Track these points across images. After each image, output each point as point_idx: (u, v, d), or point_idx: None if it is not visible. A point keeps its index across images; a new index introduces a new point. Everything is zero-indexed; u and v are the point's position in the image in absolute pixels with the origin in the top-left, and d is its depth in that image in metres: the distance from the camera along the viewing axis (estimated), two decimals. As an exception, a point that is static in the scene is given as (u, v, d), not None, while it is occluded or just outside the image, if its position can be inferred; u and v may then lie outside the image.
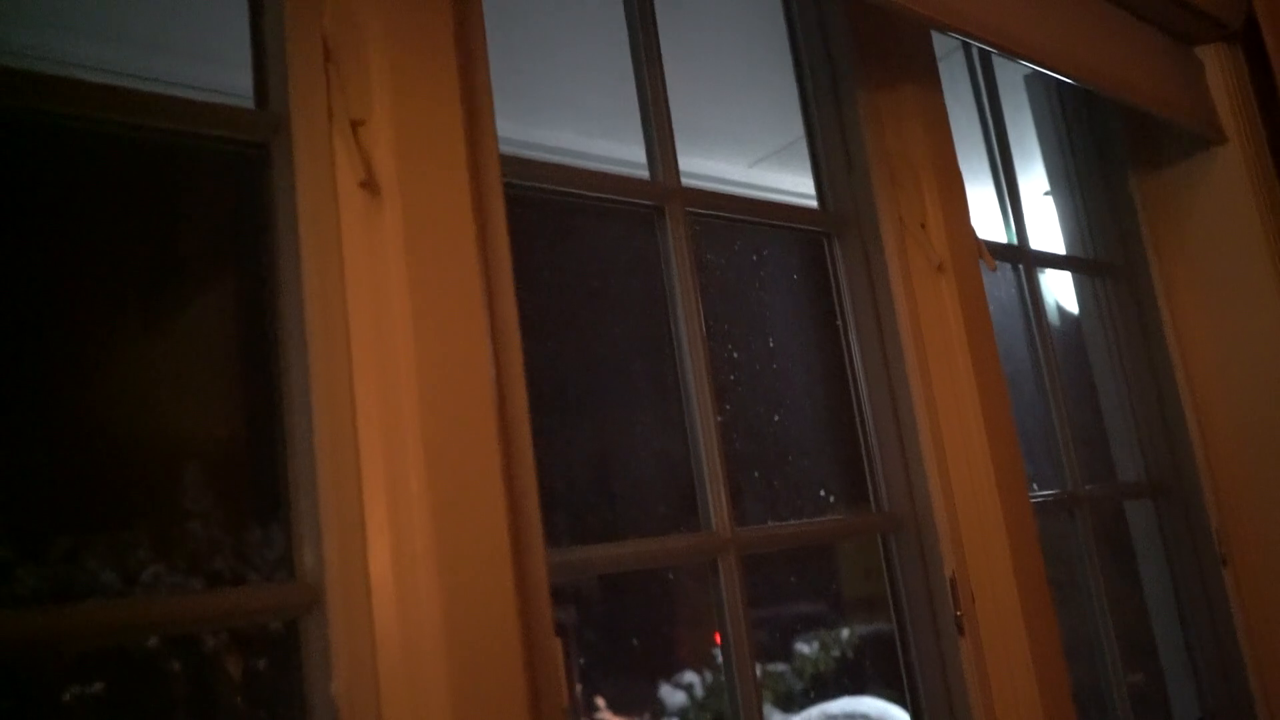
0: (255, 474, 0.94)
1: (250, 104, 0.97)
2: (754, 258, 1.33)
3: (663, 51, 1.32)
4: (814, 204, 1.48)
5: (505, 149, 1.00)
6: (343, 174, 0.89)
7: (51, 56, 1.32)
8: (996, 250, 1.66)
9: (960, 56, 1.84)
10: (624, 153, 1.39)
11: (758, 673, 1.14)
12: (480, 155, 0.96)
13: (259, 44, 0.96)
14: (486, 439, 0.87)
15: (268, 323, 0.92)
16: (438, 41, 0.94)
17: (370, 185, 0.88)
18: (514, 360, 0.93)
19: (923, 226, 1.38)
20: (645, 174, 1.27)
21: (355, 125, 0.89)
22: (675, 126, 1.32)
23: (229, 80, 1.10)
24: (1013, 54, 1.44)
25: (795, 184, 2.87)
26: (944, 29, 1.34)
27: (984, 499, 1.30)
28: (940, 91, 1.47)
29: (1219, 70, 1.83)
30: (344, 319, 0.86)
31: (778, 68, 2.21)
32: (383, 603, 0.82)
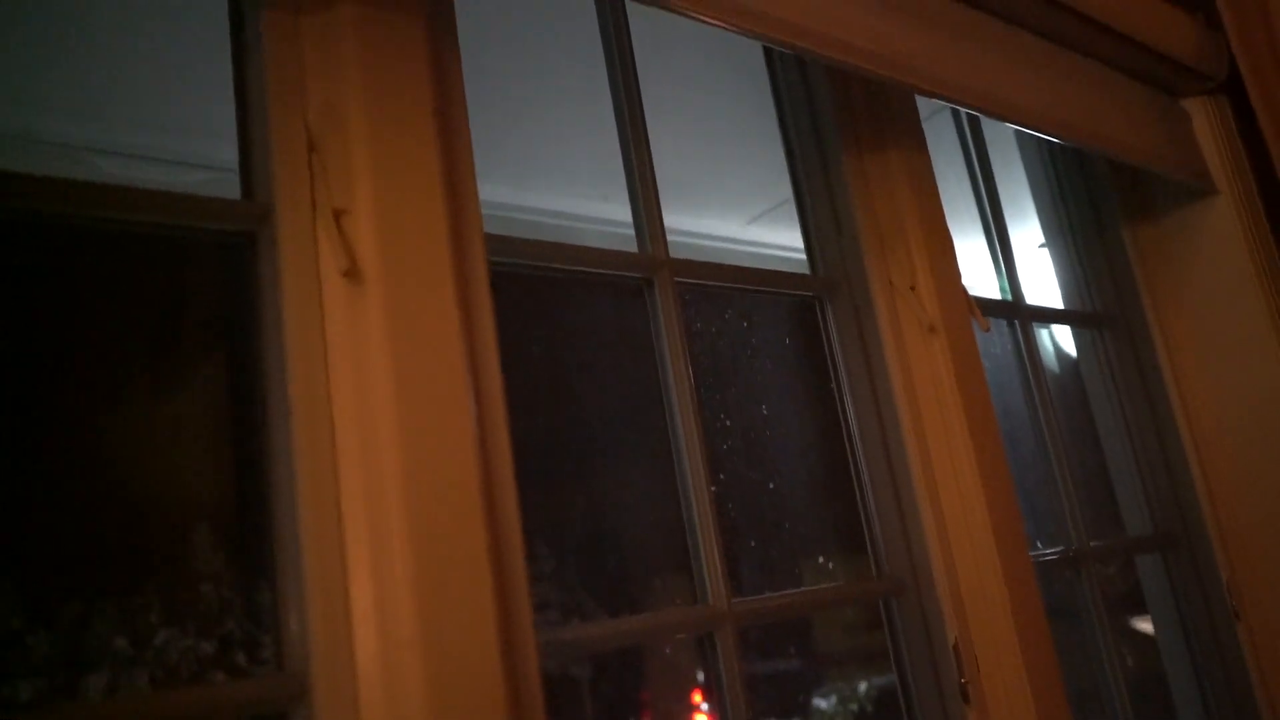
0: (243, 560, 0.94)
1: (238, 188, 0.98)
2: (745, 323, 1.33)
3: (654, 112, 1.34)
4: (773, 263, 1.48)
5: (493, 214, 1.01)
6: (326, 262, 0.90)
7: (44, 138, 1.35)
8: (990, 307, 1.66)
9: (948, 114, 1.86)
10: (615, 214, 1.40)
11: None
12: (464, 237, 0.97)
13: (245, 135, 0.98)
14: (472, 524, 0.87)
15: (255, 409, 0.92)
16: (419, 129, 0.96)
17: (353, 274, 0.89)
18: (500, 441, 0.93)
19: (913, 288, 1.38)
20: (635, 234, 1.28)
21: (338, 215, 0.90)
22: (669, 187, 1.34)
23: (219, 154, 1.12)
24: (997, 116, 1.45)
25: (794, 240, 2.89)
26: (928, 94, 1.36)
27: (984, 562, 1.28)
28: (926, 153, 1.48)
29: (1206, 122, 1.84)
30: (328, 405, 0.87)
31: (769, 129, 2.25)
32: (369, 692, 0.81)
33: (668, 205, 1.40)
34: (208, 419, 1.00)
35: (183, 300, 1.02)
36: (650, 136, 1.32)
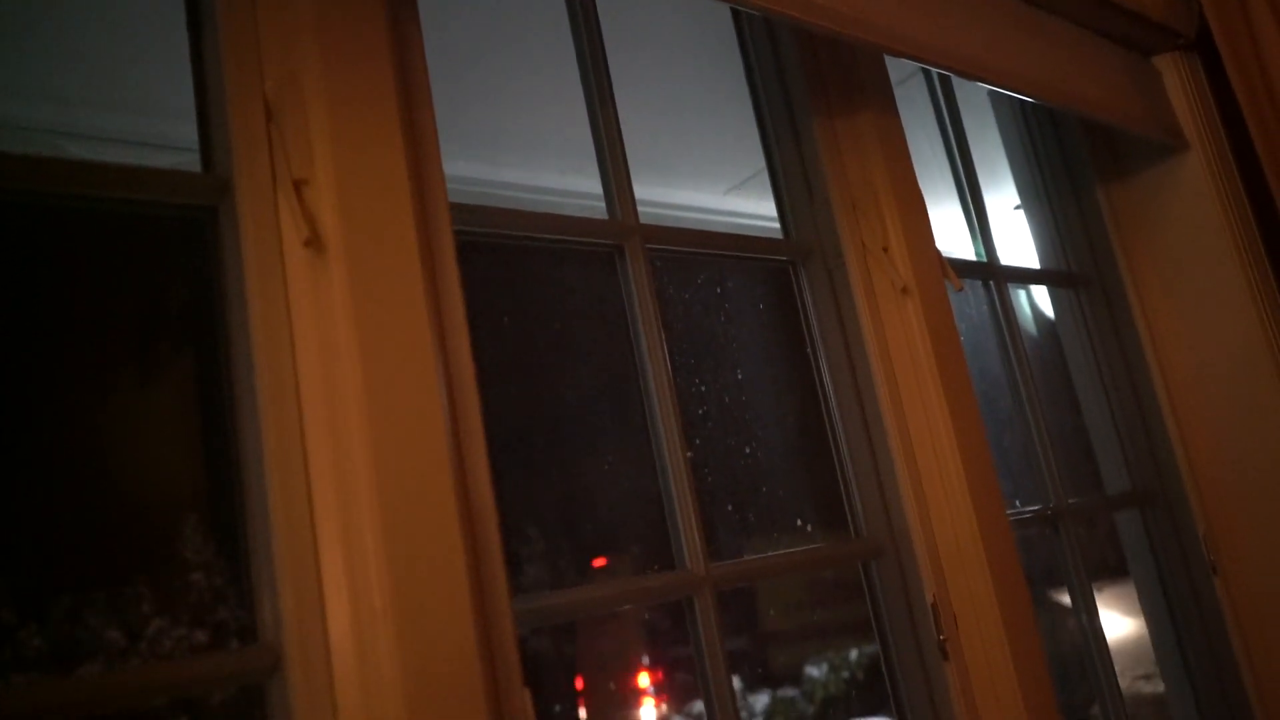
0: (216, 539, 0.93)
1: (197, 165, 0.97)
2: (719, 290, 1.33)
3: (624, 85, 1.33)
4: (745, 228, 1.48)
5: (462, 189, 1.01)
6: (288, 234, 0.89)
7: (5, 121, 1.33)
8: (964, 268, 1.66)
9: (921, 79, 1.85)
10: (590, 187, 1.39)
11: (766, 700, 1.12)
12: (428, 206, 0.96)
13: (203, 107, 0.97)
14: (443, 492, 0.86)
15: (221, 385, 0.92)
16: (379, 97, 0.95)
17: (315, 244, 0.88)
18: (471, 411, 0.93)
19: (885, 250, 1.38)
20: (605, 202, 1.27)
21: (299, 185, 0.89)
22: (644, 159, 1.33)
23: (180, 133, 1.11)
24: (967, 75, 1.45)
25: (772, 209, 2.89)
26: (895, 54, 1.35)
27: (961, 521, 1.29)
28: (897, 116, 1.47)
29: (1177, 79, 1.84)
30: (294, 378, 0.86)
31: (741, 95, 2.23)
32: (343, 664, 0.81)
33: (643, 177, 1.38)
34: (174, 399, 0.99)
35: (145, 280, 1.01)
36: (621, 107, 1.31)
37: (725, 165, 2.72)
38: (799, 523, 1.31)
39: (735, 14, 1.55)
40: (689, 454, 1.19)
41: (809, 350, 1.42)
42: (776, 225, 1.50)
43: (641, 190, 1.30)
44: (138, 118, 1.30)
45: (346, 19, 0.95)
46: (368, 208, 0.90)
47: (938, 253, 1.44)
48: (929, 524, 1.30)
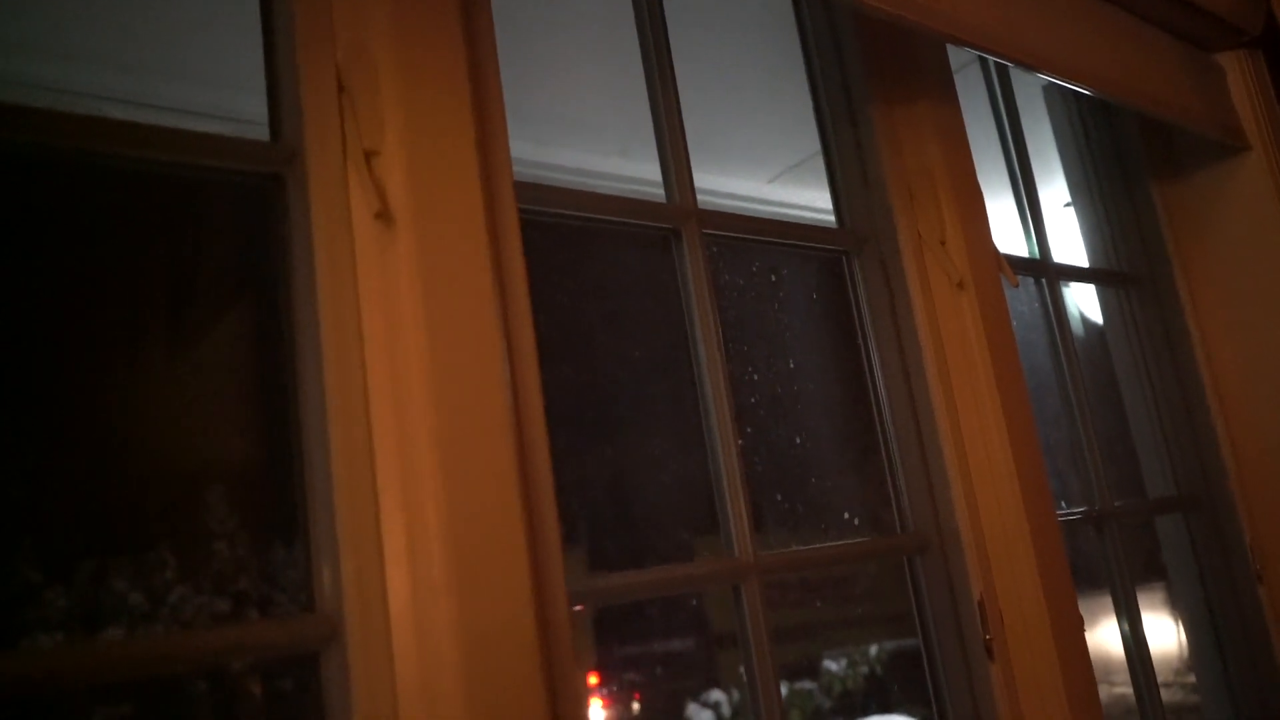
0: (274, 502, 0.93)
1: (266, 134, 0.97)
2: (772, 278, 1.32)
3: (676, 69, 1.32)
4: (833, 220, 1.47)
5: (520, 172, 1.00)
6: (357, 204, 0.88)
7: (70, 88, 1.33)
8: (1018, 264, 1.64)
9: (977, 69, 1.83)
10: (640, 171, 1.38)
11: (784, 691, 1.12)
12: (494, 183, 0.95)
13: (273, 76, 0.97)
14: (505, 467, 0.86)
15: (284, 353, 0.91)
16: (450, 71, 0.94)
17: (384, 216, 0.87)
18: (531, 387, 0.92)
19: (942, 243, 1.36)
20: (662, 193, 1.26)
21: (369, 156, 0.89)
22: (691, 145, 1.32)
23: (246, 106, 1.11)
24: (1028, 66, 1.42)
25: (815, 199, 2.86)
26: (958, 43, 1.33)
27: (1010, 519, 1.28)
28: (957, 106, 1.45)
29: (1240, 76, 1.80)
30: (359, 349, 0.86)
31: (793, 83, 2.20)
32: (402, 635, 0.81)
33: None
34: (235, 362, 0.99)
35: (206, 245, 1.01)
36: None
37: (767, 153, 2.69)
38: (846, 515, 1.30)
39: (795, -2, 1.53)
40: (739, 442, 1.18)
41: (860, 341, 1.41)
42: (818, 215, 1.48)
43: (648, 170, 1.28)
44: (195, 86, 1.30)
45: (419, -10, 0.94)
46: (436, 181, 0.90)
47: (994, 247, 1.42)
48: (978, 521, 1.29)
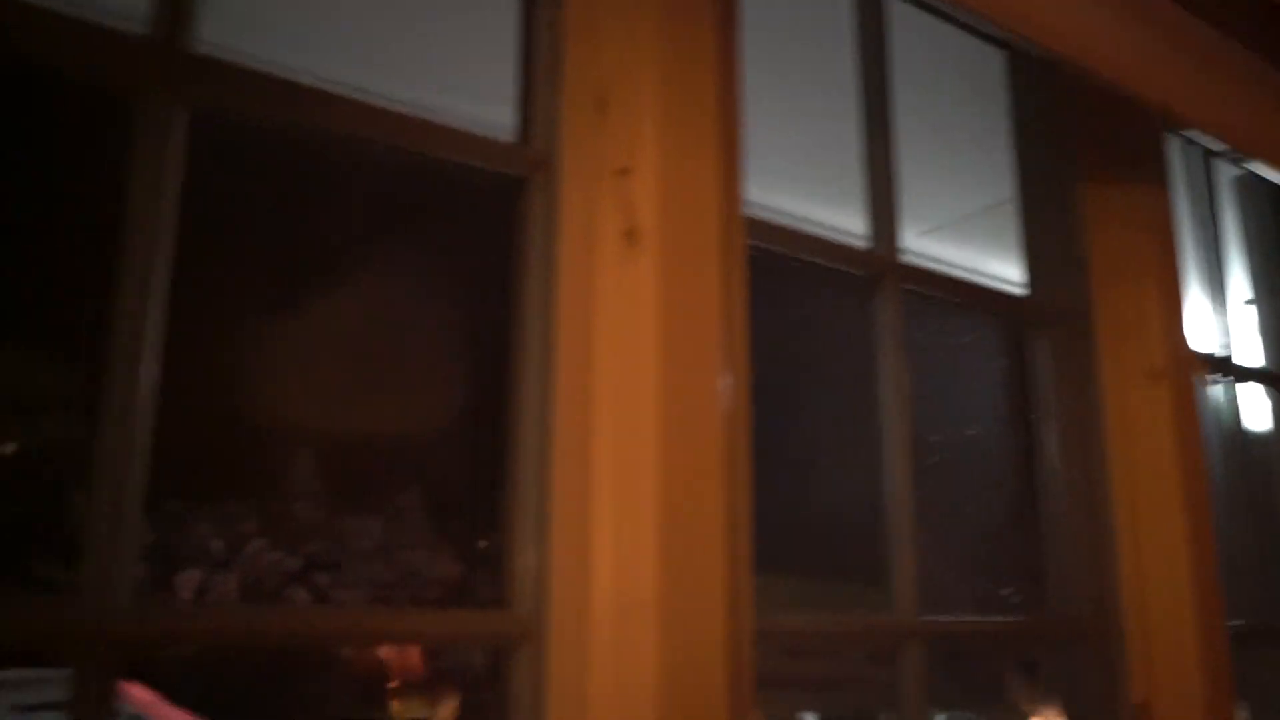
0: (478, 501, 0.95)
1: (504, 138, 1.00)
2: (960, 341, 1.30)
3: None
4: (986, 282, 1.43)
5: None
6: (604, 220, 0.90)
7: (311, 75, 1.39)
8: (1204, 360, 1.58)
9: (1176, 151, 1.78)
10: (827, 217, 1.38)
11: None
12: (730, 212, 0.96)
13: (528, 84, 1.00)
14: (717, 494, 0.86)
15: (502, 355, 0.93)
16: (704, 97, 0.96)
17: (632, 234, 0.89)
18: (742, 420, 0.93)
19: (1140, 330, 1.32)
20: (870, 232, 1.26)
21: (622, 173, 0.91)
22: (847, 182, 1.32)
23: (477, 113, 1.14)
24: (1253, 156, 1.38)
25: (963, 259, 2.81)
26: (1185, 125, 1.30)
27: (1185, 626, 1.23)
28: (1168, 192, 1.42)
29: None
30: (589, 365, 0.87)
31: (963, 139, 2.18)
32: (601, 646, 0.81)
33: (836, 203, 1.36)
34: (452, 355, 1.02)
35: (440, 235, 1.04)
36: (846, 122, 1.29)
37: (928, 205, 2.66)
38: (1004, 592, 1.27)
39: (1012, 58, 1.51)
40: (913, 503, 1.16)
41: (1033, 416, 1.37)
42: (969, 276, 1.44)
43: (833, 216, 1.27)
44: (440, 92, 1.34)
45: (683, 12, 0.96)
46: (682, 205, 0.91)
47: (1189, 343, 1.37)
48: (1146, 620, 1.24)
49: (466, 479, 0.98)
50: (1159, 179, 1.41)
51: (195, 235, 0.78)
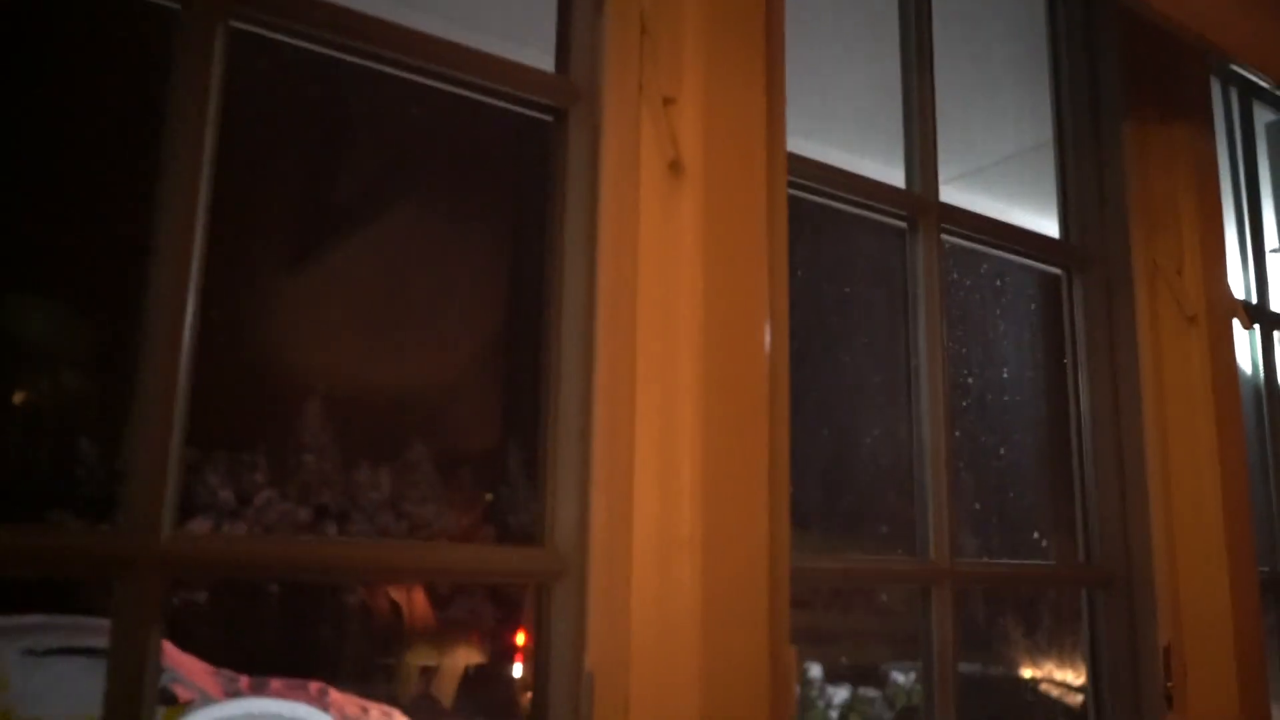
0: (514, 439, 0.95)
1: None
2: (996, 283, 1.28)
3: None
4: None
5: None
6: (647, 150, 0.88)
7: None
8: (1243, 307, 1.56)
9: (1216, 96, 1.73)
10: (861, 166, 1.37)
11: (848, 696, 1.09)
12: (775, 146, 0.94)
13: (565, 11, 0.97)
14: (758, 433, 0.85)
15: (545, 291, 0.92)
16: (749, 26, 0.93)
17: (676, 165, 0.87)
18: (782, 358, 0.91)
19: (1179, 274, 1.30)
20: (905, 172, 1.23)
21: (666, 102, 0.88)
22: (875, 129, 1.29)
23: (505, 50, 1.11)
24: (1299, 102, 1.35)
25: (987, 207, 2.77)
26: (1241, 60, 1.26)
27: (1211, 568, 1.22)
28: (1213, 134, 1.38)
29: None
30: (633, 298, 0.86)
31: (995, 85, 2.13)
32: (643, 583, 0.81)
33: (862, 149, 1.33)
34: (489, 292, 1.01)
35: (480, 165, 1.02)
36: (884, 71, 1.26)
37: (952, 153, 2.62)
38: (1035, 535, 1.27)
39: (1051, -2, 1.47)
40: (949, 445, 1.15)
41: (1068, 360, 1.36)
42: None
43: (859, 163, 1.25)
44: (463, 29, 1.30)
45: (729, -59, 0.93)
46: (727, 136, 0.89)
47: (1230, 287, 1.35)
48: (1174, 564, 1.24)
49: (506, 418, 0.97)
50: (1204, 119, 1.38)
51: (230, 165, 0.77)
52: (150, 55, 0.77)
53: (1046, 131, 1.52)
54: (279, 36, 0.82)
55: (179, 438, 0.70)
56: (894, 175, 1.34)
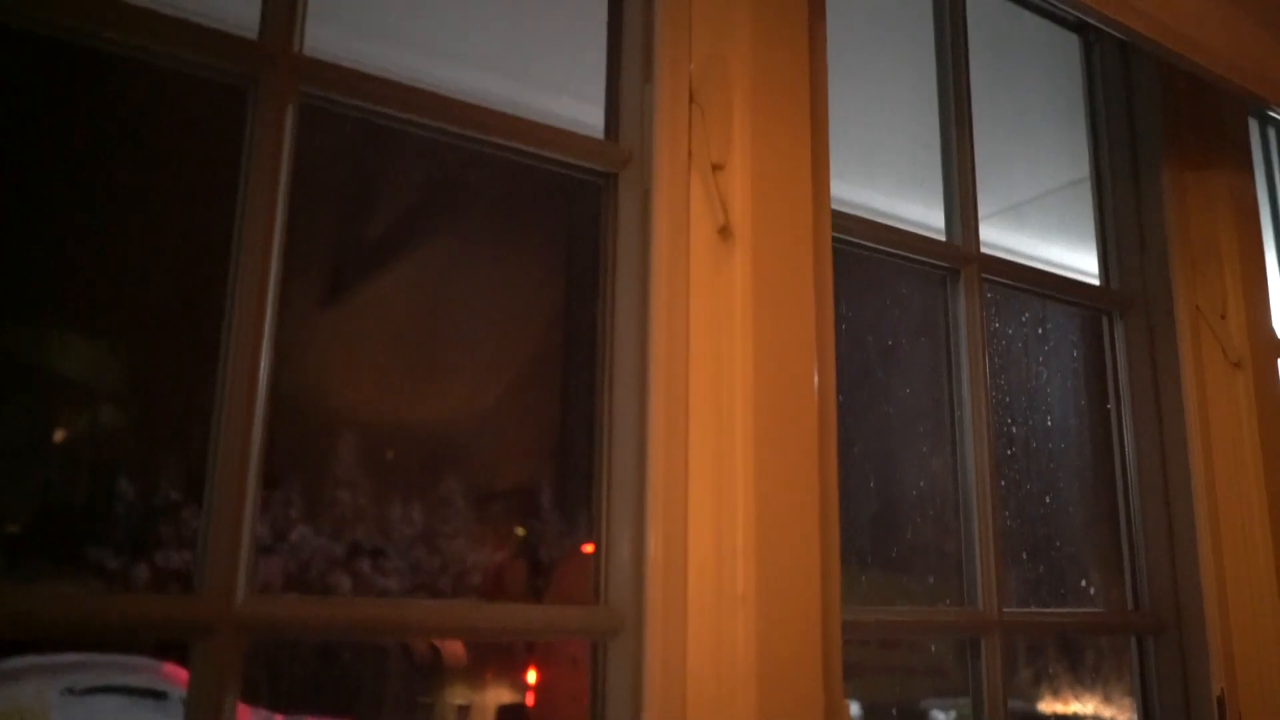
0: (570, 497, 0.97)
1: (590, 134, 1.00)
2: (1039, 330, 1.29)
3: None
4: (1063, 271, 1.41)
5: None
6: (697, 215, 0.90)
7: (399, 72, 1.39)
8: None
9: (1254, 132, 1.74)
10: (906, 212, 1.38)
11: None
12: (820, 207, 0.96)
13: (615, 79, 1.00)
14: (809, 487, 0.87)
15: (592, 350, 0.94)
16: (795, 90, 0.95)
17: (726, 230, 0.89)
18: (830, 413, 0.93)
19: (1222, 318, 1.30)
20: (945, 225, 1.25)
21: (715, 169, 0.91)
22: (911, 166, 1.30)
23: (555, 108, 1.14)
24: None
25: (1021, 244, 2.77)
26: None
27: (1264, 613, 1.22)
28: (1252, 175, 1.39)
29: None
30: (686, 356, 0.88)
31: (1031, 126, 2.13)
32: (699, 640, 0.82)
33: (887, 189, 1.35)
34: (539, 349, 1.03)
35: (527, 219, 1.05)
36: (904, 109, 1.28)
37: (991, 190, 2.63)
38: (1083, 583, 1.27)
39: (1086, 41, 1.49)
40: (995, 493, 1.16)
41: (1111, 406, 1.36)
42: (1026, 262, 1.42)
43: (884, 202, 1.26)
44: (522, 87, 1.33)
45: (775, 8, 0.96)
46: (775, 200, 0.91)
47: (1273, 329, 1.35)
48: (1226, 610, 1.23)
49: (561, 474, 0.99)
50: (1243, 160, 1.39)
51: (299, 226, 0.80)
52: (223, 130, 0.81)
53: (1083, 168, 1.53)
54: (344, 112, 0.85)
55: (253, 505, 0.73)
56: (934, 215, 1.35)
